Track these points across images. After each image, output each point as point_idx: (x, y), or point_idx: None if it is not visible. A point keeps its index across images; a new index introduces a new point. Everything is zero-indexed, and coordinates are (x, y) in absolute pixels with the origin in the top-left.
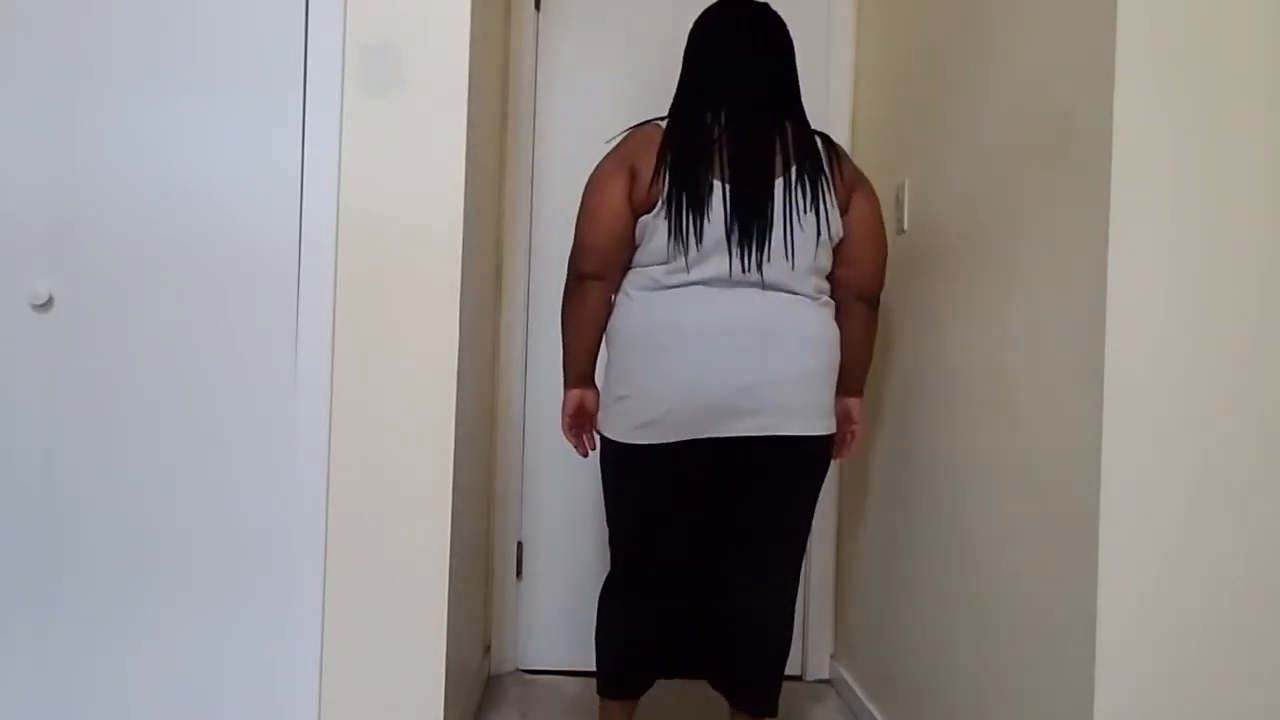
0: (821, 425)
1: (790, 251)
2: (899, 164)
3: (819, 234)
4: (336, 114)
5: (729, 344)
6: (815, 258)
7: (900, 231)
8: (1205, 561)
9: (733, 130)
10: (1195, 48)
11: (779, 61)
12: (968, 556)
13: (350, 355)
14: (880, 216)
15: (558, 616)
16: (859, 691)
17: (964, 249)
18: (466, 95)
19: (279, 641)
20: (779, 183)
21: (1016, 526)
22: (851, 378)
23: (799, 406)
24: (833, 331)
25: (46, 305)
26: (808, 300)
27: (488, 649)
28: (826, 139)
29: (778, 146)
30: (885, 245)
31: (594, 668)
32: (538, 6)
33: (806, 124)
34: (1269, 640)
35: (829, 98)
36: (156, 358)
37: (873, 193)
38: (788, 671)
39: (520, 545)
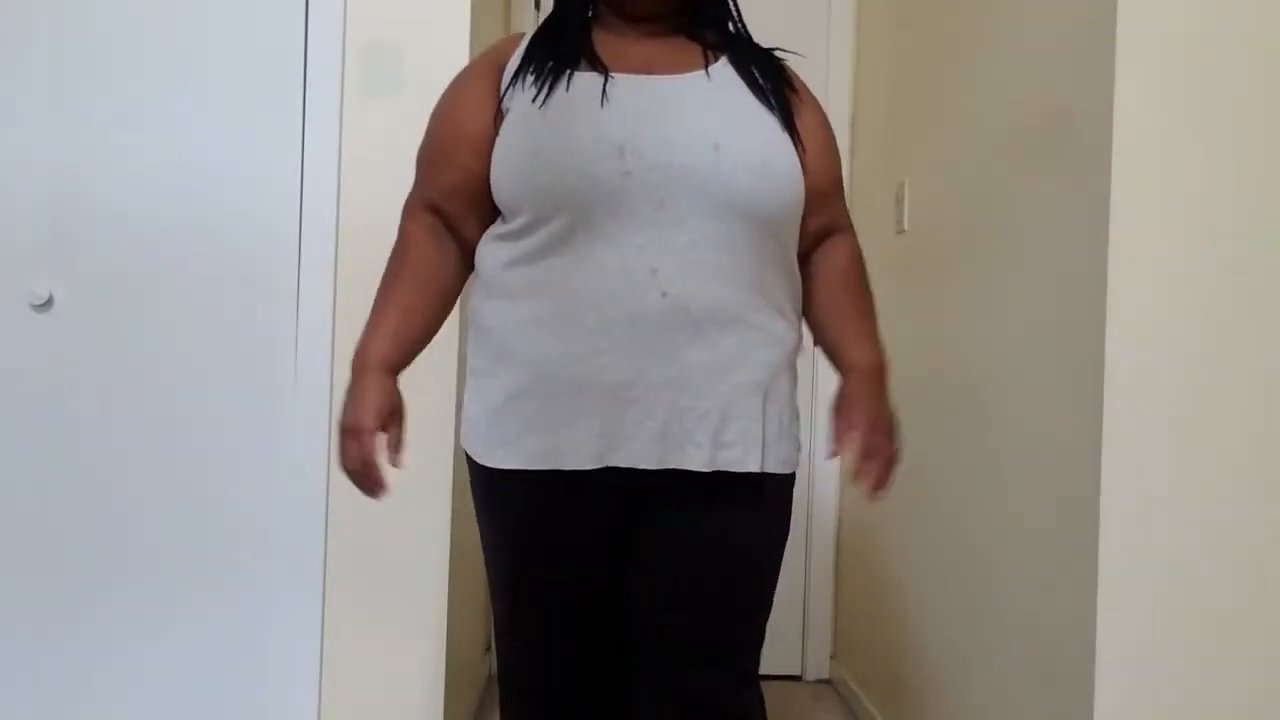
0: None
1: None
2: (899, 164)
3: None
4: (336, 114)
5: None
6: None
7: (900, 231)
8: (1205, 562)
9: None
10: (1195, 46)
11: None
12: (968, 556)
13: (350, 355)
14: None
15: None
16: (859, 691)
17: (964, 249)
18: None
19: (279, 641)
20: None
21: (1017, 527)
22: None
23: None
24: None
25: (46, 305)
26: None
27: (488, 649)
28: None
29: None
30: None
31: None
32: (538, 6)
33: None
34: (1269, 640)
35: (829, 98)
36: (156, 358)
37: None
38: (787, 671)
39: None
